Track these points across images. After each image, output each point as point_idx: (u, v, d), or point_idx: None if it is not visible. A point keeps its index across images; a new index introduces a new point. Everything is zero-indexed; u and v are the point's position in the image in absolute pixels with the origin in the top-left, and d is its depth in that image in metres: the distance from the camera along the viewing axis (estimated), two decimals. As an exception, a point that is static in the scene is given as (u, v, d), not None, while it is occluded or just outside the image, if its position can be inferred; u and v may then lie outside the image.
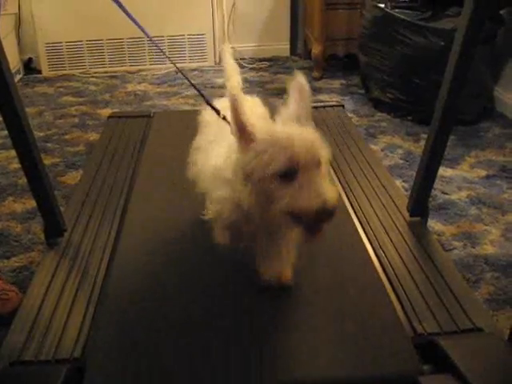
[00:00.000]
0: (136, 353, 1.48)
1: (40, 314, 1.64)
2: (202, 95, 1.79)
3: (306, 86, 1.41)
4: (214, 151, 1.62)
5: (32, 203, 2.51)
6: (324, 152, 1.35)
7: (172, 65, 1.93)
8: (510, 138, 3.24)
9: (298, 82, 1.40)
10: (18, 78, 4.35)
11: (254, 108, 1.86)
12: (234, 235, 1.62)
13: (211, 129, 1.75)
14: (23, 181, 2.71)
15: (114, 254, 1.88)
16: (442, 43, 3.15)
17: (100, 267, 1.82)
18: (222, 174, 1.51)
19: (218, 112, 1.67)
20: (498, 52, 3.49)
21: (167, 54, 4.48)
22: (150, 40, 1.82)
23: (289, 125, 1.37)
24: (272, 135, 1.34)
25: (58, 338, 1.54)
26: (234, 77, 2.09)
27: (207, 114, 1.81)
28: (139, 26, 1.78)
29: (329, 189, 1.29)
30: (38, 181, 1.91)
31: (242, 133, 1.35)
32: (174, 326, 1.56)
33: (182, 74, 1.88)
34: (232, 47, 4.73)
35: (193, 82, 1.92)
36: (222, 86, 4.12)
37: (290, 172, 1.29)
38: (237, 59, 4.68)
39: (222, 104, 1.75)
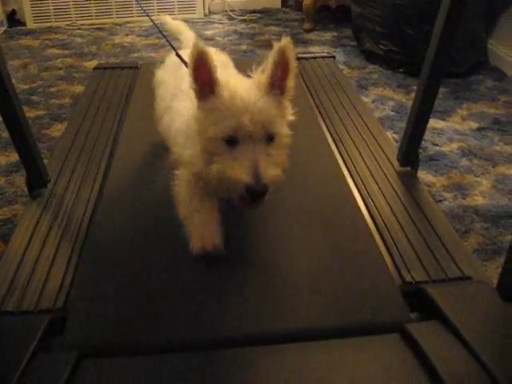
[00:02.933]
0: (118, 302, 1.46)
1: (22, 264, 1.61)
2: (173, 47, 1.75)
3: (290, 52, 1.26)
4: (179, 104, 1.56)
5: (16, 156, 2.45)
6: (280, 127, 1.28)
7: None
8: (503, 91, 3.20)
9: (281, 46, 1.25)
10: (1, 30, 4.24)
11: (215, 56, 1.81)
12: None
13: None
14: (6, 134, 2.65)
15: (98, 204, 1.84)
16: (436, -8, 3.07)
17: (83, 218, 1.79)
18: (183, 132, 1.47)
19: (187, 65, 1.61)
20: (493, 4, 3.41)
21: (156, 5, 4.38)
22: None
23: (253, 90, 1.27)
24: (228, 96, 1.25)
25: (40, 288, 1.51)
26: (187, 31, 2.03)
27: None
28: None
29: (269, 167, 1.23)
30: (19, 132, 1.86)
31: (200, 87, 1.29)
32: (156, 275, 1.54)
33: (154, 23, 1.82)
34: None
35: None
36: (212, 38, 4.05)
37: (232, 139, 1.23)
38: (227, 11, 4.61)
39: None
